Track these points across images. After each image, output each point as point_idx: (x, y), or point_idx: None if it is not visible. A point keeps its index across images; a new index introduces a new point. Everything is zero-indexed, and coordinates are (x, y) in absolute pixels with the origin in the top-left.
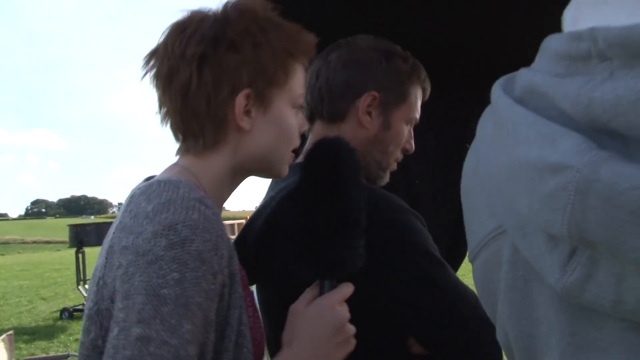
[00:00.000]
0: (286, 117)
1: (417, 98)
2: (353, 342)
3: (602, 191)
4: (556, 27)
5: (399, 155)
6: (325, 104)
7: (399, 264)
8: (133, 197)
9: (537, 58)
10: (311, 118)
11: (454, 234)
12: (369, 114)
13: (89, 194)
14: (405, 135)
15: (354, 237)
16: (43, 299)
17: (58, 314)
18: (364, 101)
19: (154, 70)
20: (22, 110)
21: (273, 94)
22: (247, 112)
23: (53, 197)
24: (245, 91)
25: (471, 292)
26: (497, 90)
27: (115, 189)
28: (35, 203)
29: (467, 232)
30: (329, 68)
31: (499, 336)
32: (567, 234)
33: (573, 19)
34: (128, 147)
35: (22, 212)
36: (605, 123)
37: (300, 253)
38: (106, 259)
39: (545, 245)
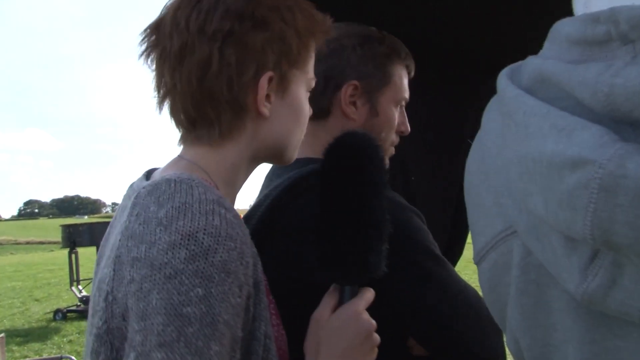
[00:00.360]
0: (303, 101)
1: (402, 77)
2: (376, 350)
3: (631, 188)
4: (555, 19)
5: (394, 139)
6: None
7: (398, 262)
8: (138, 198)
9: (547, 44)
10: None
11: (452, 232)
12: (354, 104)
13: (82, 194)
14: (397, 117)
15: (380, 238)
16: (36, 300)
17: (51, 315)
18: (345, 92)
19: (157, 47)
20: (15, 109)
21: (293, 76)
22: (267, 97)
23: (46, 197)
24: (269, 73)
25: (473, 290)
26: (503, 80)
27: (108, 188)
28: (28, 203)
29: (472, 232)
30: None
31: (509, 343)
32: (589, 236)
33: (585, 3)
34: (121, 147)
35: (15, 213)
36: (628, 112)
37: (319, 256)
38: (114, 270)
39: (562, 248)
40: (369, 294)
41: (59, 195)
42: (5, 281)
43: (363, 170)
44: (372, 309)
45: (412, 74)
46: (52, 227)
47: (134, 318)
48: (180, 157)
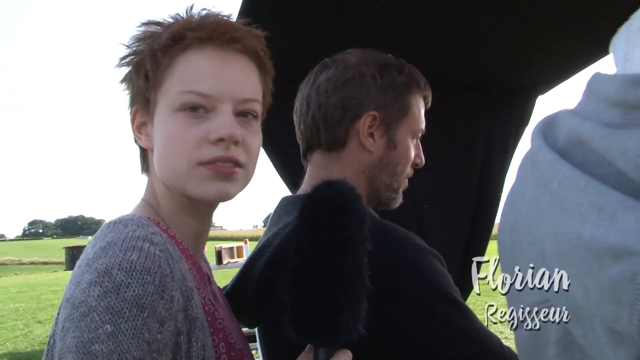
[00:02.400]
0: (166, 126)
1: (420, 108)
2: None
3: None
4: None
5: (409, 172)
6: (321, 133)
7: (417, 309)
8: (89, 242)
9: (584, 98)
10: (310, 149)
11: (464, 262)
12: (371, 135)
13: (87, 214)
14: (413, 150)
15: (356, 298)
16: (39, 322)
17: None
18: (363, 123)
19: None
20: (19, 128)
21: (154, 97)
22: (144, 126)
23: (50, 218)
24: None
25: (497, 339)
26: (537, 139)
27: (112, 209)
28: (33, 223)
29: (508, 295)
30: (319, 92)
31: None
32: (637, 334)
33: (625, 55)
34: (125, 167)
35: (20, 233)
36: None
37: (291, 316)
38: (58, 314)
39: (607, 338)
40: (343, 358)
41: (64, 215)
42: (9, 302)
43: (339, 226)
44: (389, 356)
45: (429, 105)
46: (55, 248)
47: (55, 358)
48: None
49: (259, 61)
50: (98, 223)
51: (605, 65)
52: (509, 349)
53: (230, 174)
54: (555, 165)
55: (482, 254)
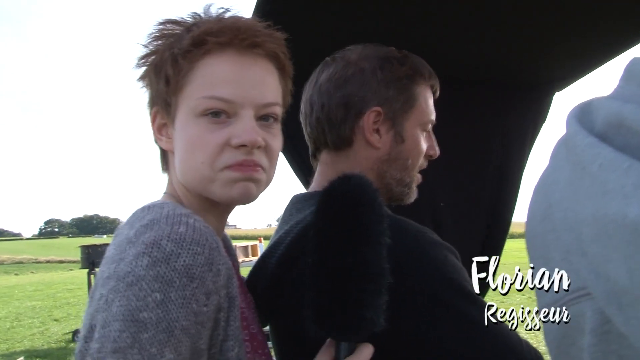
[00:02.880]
0: (187, 129)
1: (427, 99)
2: None
3: None
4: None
5: (423, 164)
6: (327, 133)
7: (432, 303)
8: (118, 229)
9: (622, 83)
10: (318, 150)
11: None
12: (377, 131)
13: (101, 213)
14: (424, 142)
15: (377, 293)
16: (56, 320)
17: (70, 336)
18: (367, 119)
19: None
20: (36, 128)
21: (175, 103)
22: (165, 127)
23: (66, 217)
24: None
25: (514, 333)
26: (572, 123)
27: (126, 208)
28: (49, 222)
29: (536, 285)
30: (321, 92)
31: None
32: None
33: None
34: (140, 166)
35: (36, 232)
36: None
37: (312, 311)
38: (91, 297)
39: None
40: (366, 352)
41: (79, 214)
42: (26, 300)
43: (359, 221)
44: (403, 357)
45: (437, 93)
46: (71, 247)
47: (97, 328)
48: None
49: (279, 63)
50: (113, 222)
51: (623, 62)
52: (527, 342)
53: (254, 173)
54: (595, 148)
55: (499, 252)
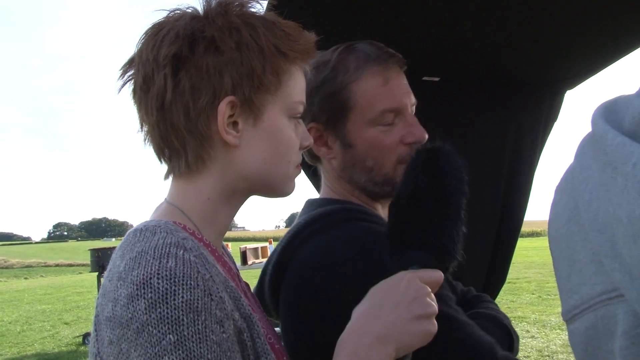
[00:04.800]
0: (282, 128)
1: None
2: (435, 325)
3: None
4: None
5: (402, 151)
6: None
7: None
8: (115, 252)
9: None
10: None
11: (493, 262)
12: (325, 144)
13: (110, 217)
14: (384, 135)
15: (453, 219)
16: (66, 323)
17: (81, 339)
18: (314, 136)
19: (131, 81)
20: (43, 132)
21: (263, 101)
22: (235, 124)
23: (75, 220)
24: (229, 98)
25: (487, 339)
26: (599, 122)
27: (135, 211)
28: (58, 226)
29: (561, 286)
30: None
31: None
32: None
33: None
34: (148, 169)
35: (45, 235)
36: None
37: (390, 234)
38: (95, 331)
39: None
40: (436, 272)
41: (87, 217)
42: (36, 304)
43: (459, 182)
44: None
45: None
46: (80, 250)
47: None
48: (164, 200)
49: None
50: (122, 225)
51: (633, 59)
52: (497, 345)
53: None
54: (628, 147)
55: (512, 251)
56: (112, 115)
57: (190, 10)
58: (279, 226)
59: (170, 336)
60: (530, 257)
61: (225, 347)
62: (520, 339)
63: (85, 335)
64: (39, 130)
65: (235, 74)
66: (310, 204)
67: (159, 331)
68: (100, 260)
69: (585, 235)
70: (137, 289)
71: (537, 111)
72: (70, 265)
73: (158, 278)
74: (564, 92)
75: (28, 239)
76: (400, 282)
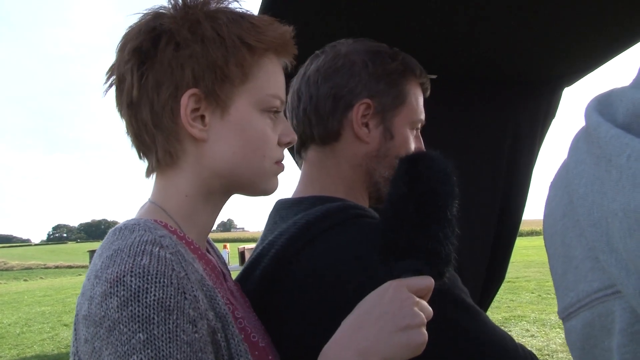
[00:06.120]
0: (251, 121)
1: (417, 97)
2: (423, 334)
3: None
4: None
5: None
6: (314, 126)
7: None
8: (98, 248)
9: None
10: (304, 145)
11: (492, 260)
12: (366, 125)
13: (109, 218)
14: (413, 141)
15: (443, 222)
16: (65, 325)
17: None
18: (356, 112)
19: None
20: (43, 134)
21: (229, 93)
22: (202, 118)
23: (74, 222)
24: (191, 91)
25: (510, 339)
26: (593, 115)
27: (135, 212)
28: (57, 228)
29: (557, 283)
30: (309, 84)
31: None
32: None
33: None
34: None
35: (44, 238)
36: None
37: (381, 245)
38: (75, 330)
39: None
40: (426, 279)
41: (87, 219)
42: (36, 306)
43: (444, 184)
44: None
45: (428, 93)
46: (80, 251)
47: None
48: (148, 198)
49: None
50: None
51: (632, 56)
52: (522, 346)
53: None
54: (622, 139)
55: (510, 250)
56: (112, 116)
57: (158, 8)
58: None
59: (140, 335)
60: (530, 256)
61: (197, 347)
62: (520, 338)
63: None
64: (39, 132)
65: (196, 66)
66: (296, 202)
67: (129, 329)
68: None
69: (580, 230)
70: (110, 287)
71: (535, 108)
72: (70, 267)
73: (131, 275)
74: (562, 89)
75: (27, 241)
76: (387, 292)
